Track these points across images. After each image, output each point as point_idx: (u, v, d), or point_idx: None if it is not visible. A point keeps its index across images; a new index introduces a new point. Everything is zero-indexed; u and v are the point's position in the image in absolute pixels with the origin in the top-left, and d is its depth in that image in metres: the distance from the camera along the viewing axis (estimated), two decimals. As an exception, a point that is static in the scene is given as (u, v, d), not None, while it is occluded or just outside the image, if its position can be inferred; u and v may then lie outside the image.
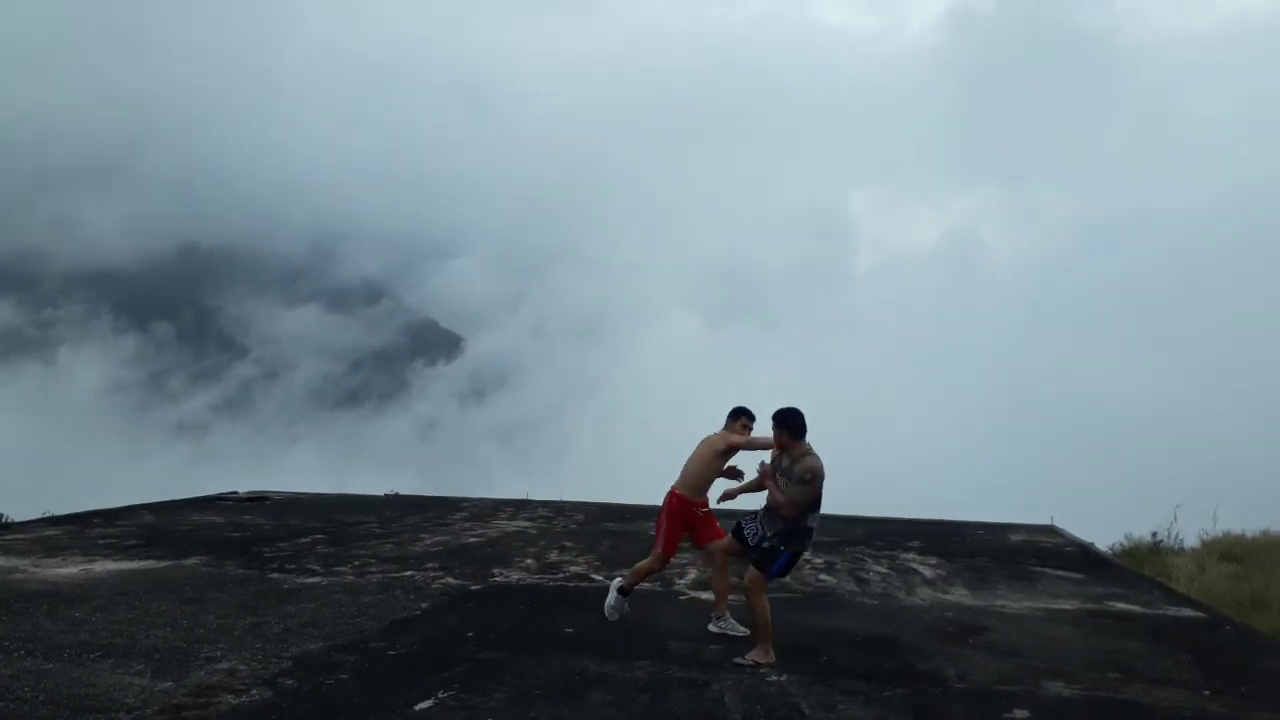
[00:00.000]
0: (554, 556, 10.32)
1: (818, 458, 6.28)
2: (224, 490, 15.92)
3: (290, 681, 5.79)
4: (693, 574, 9.40)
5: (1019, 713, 5.51)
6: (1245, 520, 12.86)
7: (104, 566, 9.25)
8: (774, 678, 6.04)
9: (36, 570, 9.01)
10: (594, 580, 9.08)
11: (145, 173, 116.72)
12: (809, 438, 6.37)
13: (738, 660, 6.33)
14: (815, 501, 6.32)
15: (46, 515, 12.78)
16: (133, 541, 10.78)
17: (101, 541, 10.75)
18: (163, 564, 9.43)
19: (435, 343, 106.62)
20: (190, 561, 9.58)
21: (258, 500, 15.02)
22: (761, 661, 6.29)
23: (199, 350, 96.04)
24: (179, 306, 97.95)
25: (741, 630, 6.92)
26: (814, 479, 6.23)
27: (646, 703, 5.55)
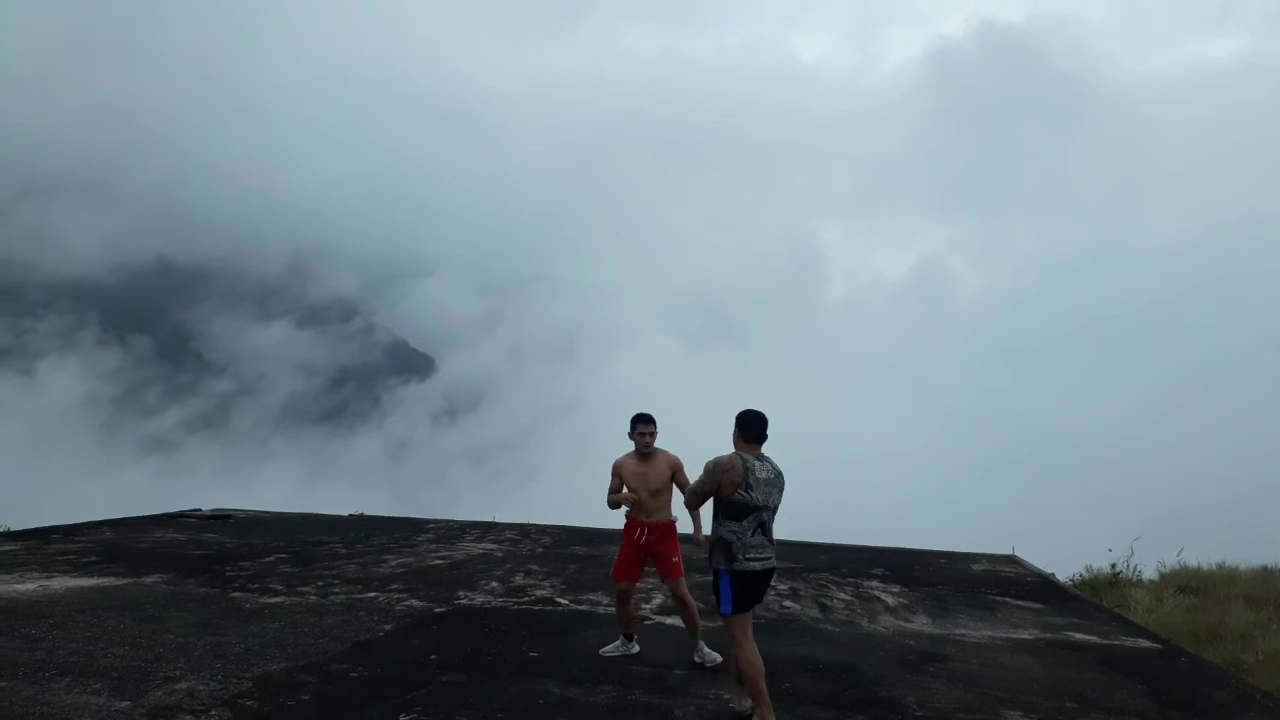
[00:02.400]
0: (519, 579, 10.30)
1: (731, 453, 5.64)
2: (187, 508, 15.72)
3: (250, 702, 5.74)
4: (658, 599, 9.41)
5: (977, 741, 5.60)
6: (1203, 553, 13.10)
7: (62, 583, 9.11)
8: (737, 705, 6.07)
9: (-8, 586, 8.85)
10: (559, 604, 9.07)
11: (129, 187, 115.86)
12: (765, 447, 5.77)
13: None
14: (728, 508, 5.54)
15: (3, 530, 12.56)
16: (92, 558, 10.62)
17: (60, 558, 10.58)
18: (122, 581, 9.30)
19: (409, 363, 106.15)
20: (150, 579, 9.45)
21: (220, 518, 14.85)
22: None
23: (171, 366, 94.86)
24: (153, 322, 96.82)
25: (712, 658, 6.94)
26: (711, 468, 5.65)
27: (609, 727, 5.57)
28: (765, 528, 5.58)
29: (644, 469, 6.85)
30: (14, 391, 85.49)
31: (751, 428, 5.67)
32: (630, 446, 6.96)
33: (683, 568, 6.95)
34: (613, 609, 8.87)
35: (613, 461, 7.01)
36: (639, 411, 6.93)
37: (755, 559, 5.52)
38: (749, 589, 5.58)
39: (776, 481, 5.65)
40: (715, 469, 5.57)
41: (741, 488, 5.49)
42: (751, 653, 5.56)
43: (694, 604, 7.00)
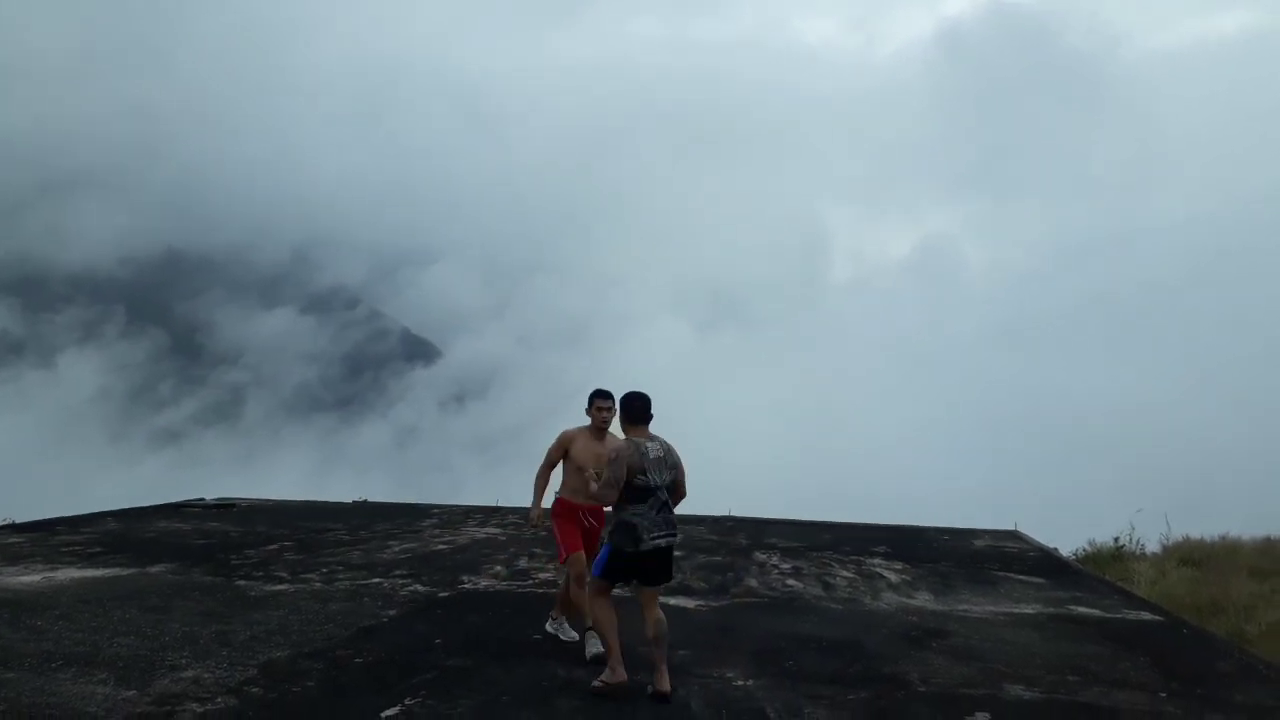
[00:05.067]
0: (523, 564, 10.33)
1: (626, 440, 5.83)
2: (192, 497, 15.77)
3: (256, 689, 5.76)
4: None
5: (980, 715, 5.60)
6: (1205, 525, 13.13)
7: (67, 574, 9.14)
8: (740, 682, 6.10)
9: (-2, 578, 8.89)
10: (563, 587, 9.08)
11: (144, 182, 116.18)
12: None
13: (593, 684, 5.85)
14: (630, 492, 5.66)
15: (8, 522, 12.60)
16: (97, 549, 10.66)
17: (65, 549, 10.61)
18: (127, 571, 9.34)
19: (416, 350, 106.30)
20: (155, 569, 9.49)
21: (225, 507, 14.88)
22: (610, 683, 5.77)
23: (179, 357, 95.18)
24: (165, 314, 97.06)
25: (570, 635, 6.98)
26: (615, 458, 5.76)
27: (614, 708, 5.58)
28: (667, 506, 5.75)
29: (600, 448, 6.54)
30: (31, 385, 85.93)
31: (634, 409, 5.89)
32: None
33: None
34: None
35: (561, 432, 6.75)
36: (600, 387, 6.70)
37: (660, 536, 5.71)
38: (643, 566, 5.77)
39: (666, 459, 5.78)
40: (620, 457, 5.68)
41: (640, 471, 5.64)
42: (605, 609, 5.91)
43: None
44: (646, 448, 5.74)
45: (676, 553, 11.15)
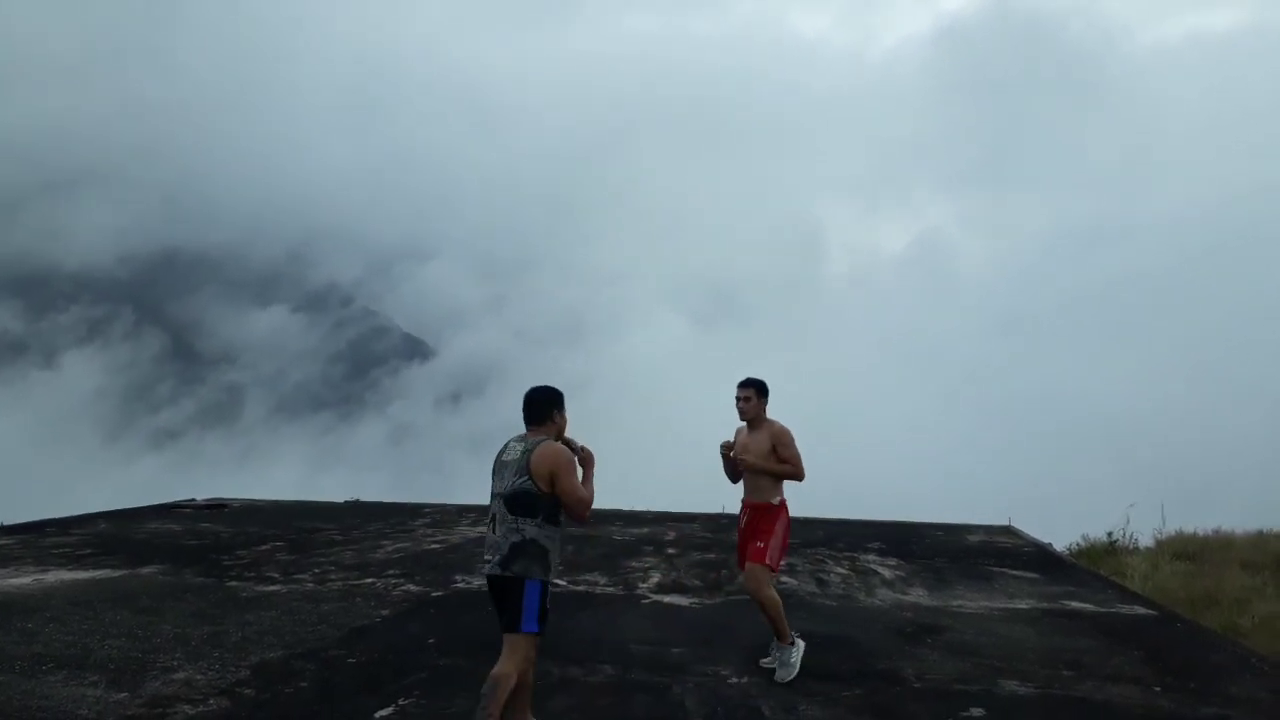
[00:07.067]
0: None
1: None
2: (183, 498, 15.71)
3: (248, 691, 5.74)
4: (656, 577, 9.42)
5: (975, 711, 5.60)
6: (1198, 519, 13.17)
7: (58, 576, 9.10)
8: (734, 680, 6.09)
9: (-12, 581, 8.84)
10: (556, 585, 9.05)
11: (144, 180, 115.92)
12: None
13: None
14: None
15: (-1, 525, 12.55)
16: (87, 550, 10.61)
17: (55, 551, 10.56)
18: (118, 573, 9.29)
19: (412, 348, 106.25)
20: (147, 570, 9.44)
21: (216, 508, 14.83)
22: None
23: (176, 357, 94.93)
24: (160, 313, 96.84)
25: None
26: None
27: (609, 706, 5.57)
28: (496, 521, 4.60)
29: (745, 439, 6.26)
30: (35, 385, 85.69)
31: (523, 410, 4.84)
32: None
33: (768, 554, 6.08)
34: (611, 589, 8.89)
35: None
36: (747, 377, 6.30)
37: (484, 562, 4.67)
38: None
39: (518, 460, 4.59)
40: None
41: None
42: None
43: (770, 599, 6.15)
44: (507, 447, 4.73)
45: (670, 550, 11.18)
